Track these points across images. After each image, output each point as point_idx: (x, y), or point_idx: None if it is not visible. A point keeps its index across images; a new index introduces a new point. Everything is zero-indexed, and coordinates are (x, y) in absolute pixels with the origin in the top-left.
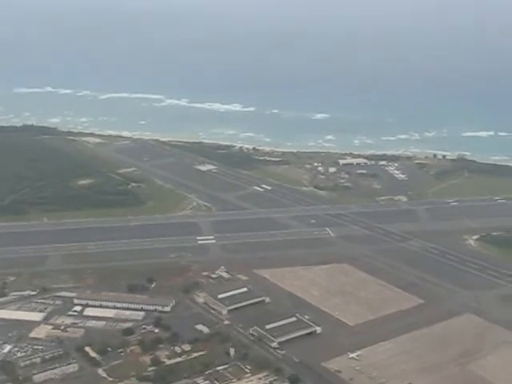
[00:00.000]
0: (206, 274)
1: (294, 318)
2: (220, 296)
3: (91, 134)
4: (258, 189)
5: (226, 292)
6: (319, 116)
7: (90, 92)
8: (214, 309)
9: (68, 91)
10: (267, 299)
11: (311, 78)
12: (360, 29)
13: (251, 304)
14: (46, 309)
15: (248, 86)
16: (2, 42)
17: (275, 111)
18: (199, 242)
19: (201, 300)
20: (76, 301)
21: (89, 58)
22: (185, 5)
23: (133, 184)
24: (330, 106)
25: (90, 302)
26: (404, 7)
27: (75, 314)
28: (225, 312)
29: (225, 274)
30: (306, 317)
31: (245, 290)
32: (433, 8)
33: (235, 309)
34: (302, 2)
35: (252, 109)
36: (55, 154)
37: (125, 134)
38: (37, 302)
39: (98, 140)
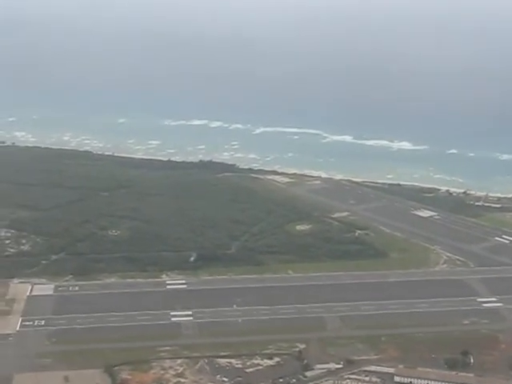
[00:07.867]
0: None
1: None
2: None
3: (274, 172)
4: (502, 240)
5: None
6: (506, 157)
7: (240, 125)
8: None
9: (218, 124)
10: None
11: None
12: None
13: None
14: None
15: (409, 122)
16: (144, 73)
17: (453, 151)
18: (484, 304)
19: None
20: (397, 378)
21: (232, 91)
22: None
23: (359, 232)
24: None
25: (415, 381)
26: None
27: None
28: None
29: None
30: None
31: None
32: None
33: None
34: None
35: (425, 147)
36: (251, 194)
37: (307, 172)
38: (350, 379)
39: (286, 179)
